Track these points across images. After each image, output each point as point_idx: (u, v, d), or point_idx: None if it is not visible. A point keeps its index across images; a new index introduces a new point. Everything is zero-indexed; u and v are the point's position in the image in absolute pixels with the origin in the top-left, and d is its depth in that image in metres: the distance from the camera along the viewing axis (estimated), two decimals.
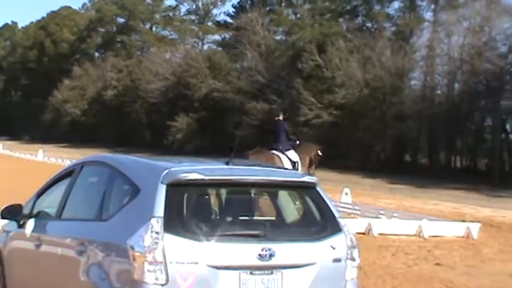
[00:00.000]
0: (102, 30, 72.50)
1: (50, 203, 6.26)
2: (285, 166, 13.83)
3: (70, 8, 78.63)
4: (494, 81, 33.30)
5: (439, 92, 38.91)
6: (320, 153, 15.71)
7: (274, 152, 14.82)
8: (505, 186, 27.66)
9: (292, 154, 14.97)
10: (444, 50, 37.53)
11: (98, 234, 5.24)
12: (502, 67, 33.01)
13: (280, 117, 15.83)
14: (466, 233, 14.15)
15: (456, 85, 37.38)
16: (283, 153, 14.87)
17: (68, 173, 6.32)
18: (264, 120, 41.56)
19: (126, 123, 57.30)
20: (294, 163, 14.72)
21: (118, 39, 68.57)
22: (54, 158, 36.47)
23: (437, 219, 15.65)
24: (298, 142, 15.78)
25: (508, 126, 35.20)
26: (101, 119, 61.56)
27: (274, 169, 5.48)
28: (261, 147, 15.25)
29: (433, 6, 40.91)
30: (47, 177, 6.73)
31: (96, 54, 72.80)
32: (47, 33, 77.05)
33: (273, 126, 15.72)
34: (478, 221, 15.29)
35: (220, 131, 43.92)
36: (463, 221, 15.56)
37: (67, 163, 21.90)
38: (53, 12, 79.63)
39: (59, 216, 6.02)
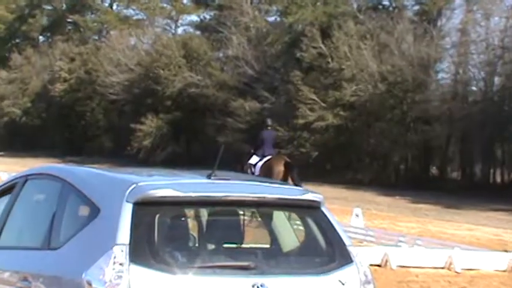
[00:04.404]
0: (49, 7, 72.31)
1: None
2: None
3: None
4: None
5: (474, 88, 39.06)
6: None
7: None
8: None
9: None
10: (481, 35, 37.66)
11: (46, 267, 5.24)
12: None
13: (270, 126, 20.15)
14: (509, 265, 14.25)
15: (496, 79, 37.54)
16: None
17: (7, 189, 6.30)
18: (253, 123, 41.62)
19: (79, 126, 57.21)
20: None
21: (69, 20, 68.42)
22: None
23: (472, 249, 15.72)
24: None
25: None
26: (48, 121, 61.42)
27: (269, 184, 5.47)
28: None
29: None
30: None
31: (41, 38, 72.66)
32: None
33: (265, 134, 19.62)
34: None
35: (199, 135, 43.95)
36: (506, 250, 15.65)
37: (5, 177, 21.81)
38: None
39: None
